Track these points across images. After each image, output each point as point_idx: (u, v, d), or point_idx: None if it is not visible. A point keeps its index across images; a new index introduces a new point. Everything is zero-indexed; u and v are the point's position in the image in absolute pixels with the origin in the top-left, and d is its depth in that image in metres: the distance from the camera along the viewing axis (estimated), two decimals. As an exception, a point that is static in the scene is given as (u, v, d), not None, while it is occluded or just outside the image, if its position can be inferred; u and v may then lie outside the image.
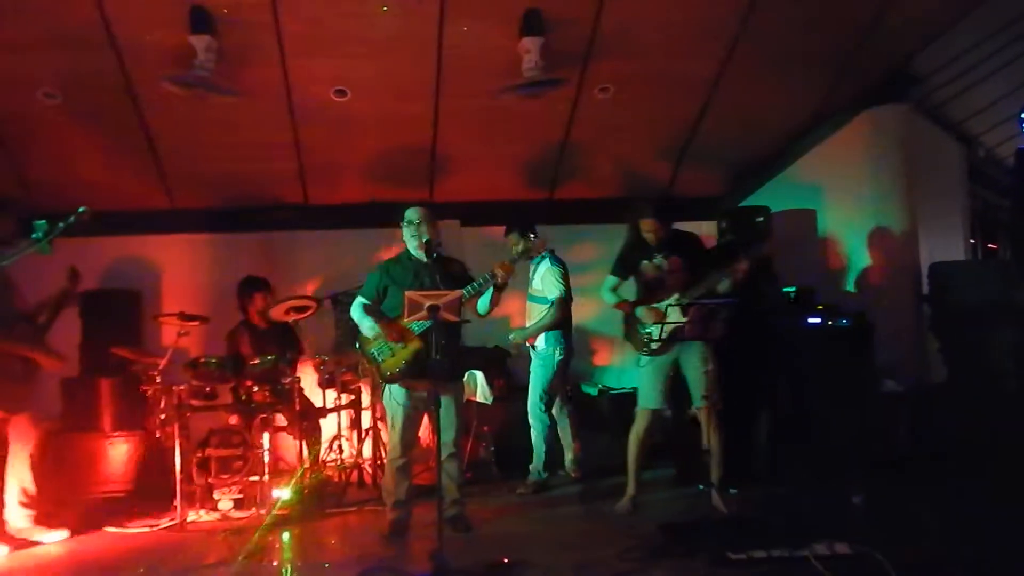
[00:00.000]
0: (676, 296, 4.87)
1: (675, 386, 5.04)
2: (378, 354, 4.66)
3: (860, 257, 6.76)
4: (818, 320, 5.88)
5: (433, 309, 4.15)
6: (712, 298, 4.76)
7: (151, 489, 5.61)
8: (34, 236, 4.30)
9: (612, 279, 5.25)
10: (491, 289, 4.61)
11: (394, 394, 4.70)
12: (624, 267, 5.22)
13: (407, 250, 4.82)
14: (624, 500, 5.13)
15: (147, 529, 5.06)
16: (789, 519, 4.41)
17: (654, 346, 4.89)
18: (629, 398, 6.68)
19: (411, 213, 4.77)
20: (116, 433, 6.11)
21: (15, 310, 4.81)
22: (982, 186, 7.89)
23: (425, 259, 4.65)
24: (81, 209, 4.36)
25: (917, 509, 4.70)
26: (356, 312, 4.81)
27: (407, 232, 4.74)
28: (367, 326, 4.70)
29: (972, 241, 7.50)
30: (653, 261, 5.06)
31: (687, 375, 4.97)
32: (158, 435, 5.62)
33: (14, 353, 4.72)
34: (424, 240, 4.65)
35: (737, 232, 6.33)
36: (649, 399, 5.05)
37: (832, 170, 6.98)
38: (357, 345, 4.84)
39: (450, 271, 4.76)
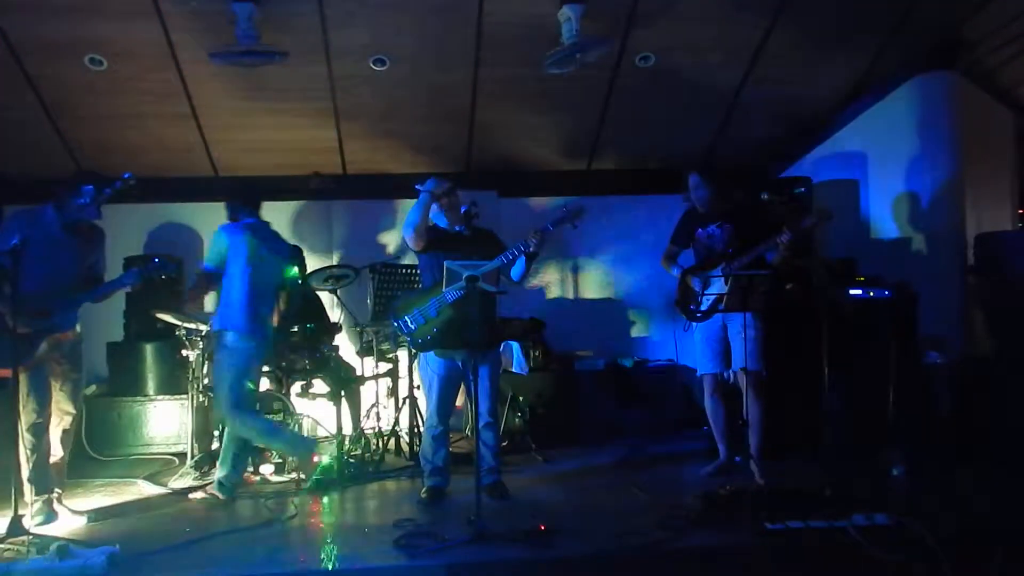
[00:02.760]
0: (723, 266, 4.89)
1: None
2: (411, 321, 4.69)
3: (904, 227, 6.63)
4: (859, 291, 5.78)
5: (472, 279, 4.17)
6: (756, 270, 4.73)
7: (194, 452, 5.71)
8: (80, 202, 4.37)
9: (671, 248, 5.29)
10: (523, 257, 4.62)
11: (430, 363, 4.74)
12: (681, 236, 5.26)
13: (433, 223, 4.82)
14: (713, 465, 5.17)
15: (190, 491, 5.17)
16: (829, 490, 4.38)
17: (699, 314, 4.93)
18: (664, 370, 6.74)
19: (431, 182, 4.74)
20: (160, 396, 6.25)
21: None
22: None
23: (465, 231, 4.68)
24: (127, 175, 4.41)
25: (958, 482, 4.66)
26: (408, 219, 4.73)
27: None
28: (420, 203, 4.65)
29: (1021, 211, 7.30)
30: (706, 230, 5.09)
31: (731, 341, 4.99)
32: (200, 399, 5.74)
33: None
34: (462, 211, 4.66)
35: (780, 204, 6.23)
36: (703, 364, 5.14)
37: (877, 139, 6.84)
38: (392, 316, 4.83)
39: (483, 243, 4.76)
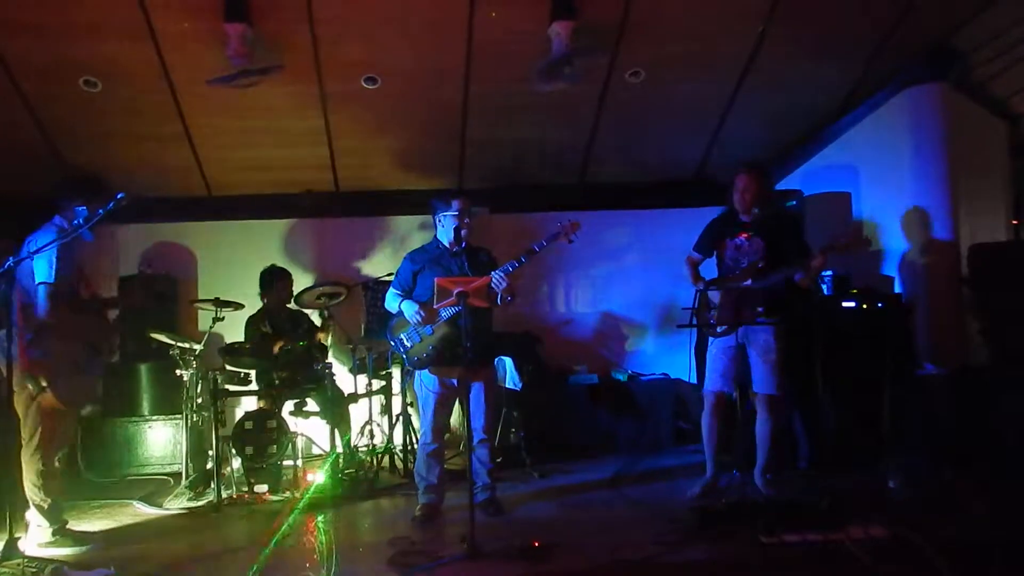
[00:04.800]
0: (750, 282, 4.75)
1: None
2: (407, 340, 4.68)
3: (898, 239, 6.64)
4: (853, 304, 5.79)
5: (462, 295, 4.18)
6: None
7: (189, 472, 5.69)
8: (74, 222, 4.37)
9: (693, 256, 5.14)
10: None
11: (424, 381, 4.73)
12: (705, 244, 5.10)
13: (436, 238, 4.83)
14: (699, 485, 5.03)
15: (185, 511, 5.15)
16: (825, 502, 4.36)
17: (718, 329, 4.81)
18: (658, 384, 6.73)
19: (457, 202, 4.73)
20: (154, 417, 6.22)
21: (80, 297, 4.54)
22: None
23: (456, 247, 4.69)
24: (120, 195, 4.40)
25: (956, 492, 4.64)
26: (393, 303, 4.81)
27: (447, 219, 4.73)
28: (409, 311, 4.64)
29: (1015, 222, 7.31)
30: (735, 241, 4.92)
31: (750, 360, 4.86)
32: (195, 419, 5.73)
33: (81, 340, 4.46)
34: (463, 230, 4.67)
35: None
36: (710, 381, 4.98)
37: (869, 150, 6.86)
38: (387, 333, 4.84)
39: (478, 259, 4.77)
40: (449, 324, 4.56)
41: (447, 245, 4.75)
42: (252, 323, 6.13)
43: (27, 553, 3.90)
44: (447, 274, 4.56)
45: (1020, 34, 6.38)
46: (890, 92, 6.67)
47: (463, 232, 4.67)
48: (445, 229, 4.74)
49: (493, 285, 4.46)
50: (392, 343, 4.79)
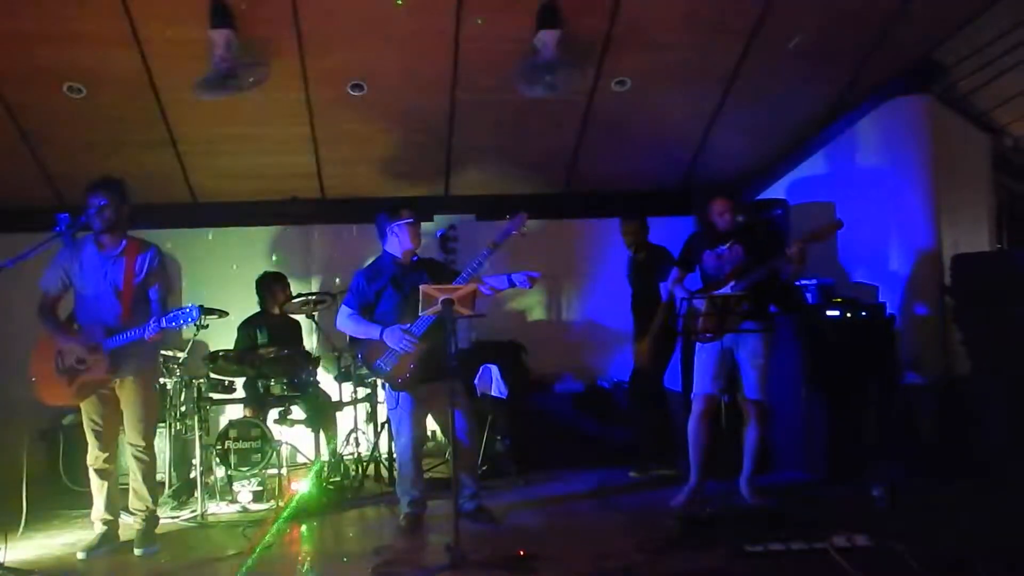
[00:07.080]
0: (732, 284, 4.80)
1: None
2: (385, 364, 4.61)
3: (881, 249, 6.68)
4: (837, 313, 5.82)
5: (447, 303, 4.17)
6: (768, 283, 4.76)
7: (172, 481, 5.65)
8: (56, 230, 4.32)
9: (676, 272, 5.19)
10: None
11: (400, 397, 4.68)
12: (689, 259, 5.17)
13: (386, 252, 4.81)
14: (684, 493, 5.00)
15: (169, 520, 5.10)
16: (809, 511, 4.38)
17: (708, 336, 4.81)
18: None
19: (407, 211, 4.74)
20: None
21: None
22: (1009, 176, 7.77)
23: (408, 261, 4.71)
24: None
25: (939, 502, 4.67)
26: (349, 324, 4.73)
27: (399, 228, 4.71)
28: (394, 339, 4.54)
29: (997, 232, 7.38)
30: (716, 251, 5.01)
31: (740, 365, 4.91)
32: (178, 427, 5.69)
33: None
34: (439, 235, 4.68)
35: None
36: (702, 384, 4.97)
37: (853, 161, 6.90)
38: (361, 360, 4.79)
39: (435, 269, 4.77)
40: (425, 339, 4.52)
41: (400, 258, 4.74)
42: (245, 327, 6.12)
43: (6, 564, 3.88)
44: (410, 292, 4.51)
45: (1002, 48, 6.45)
46: (875, 103, 6.71)
47: (416, 246, 4.71)
48: (400, 240, 4.72)
49: (496, 286, 4.47)
50: (370, 370, 4.77)
